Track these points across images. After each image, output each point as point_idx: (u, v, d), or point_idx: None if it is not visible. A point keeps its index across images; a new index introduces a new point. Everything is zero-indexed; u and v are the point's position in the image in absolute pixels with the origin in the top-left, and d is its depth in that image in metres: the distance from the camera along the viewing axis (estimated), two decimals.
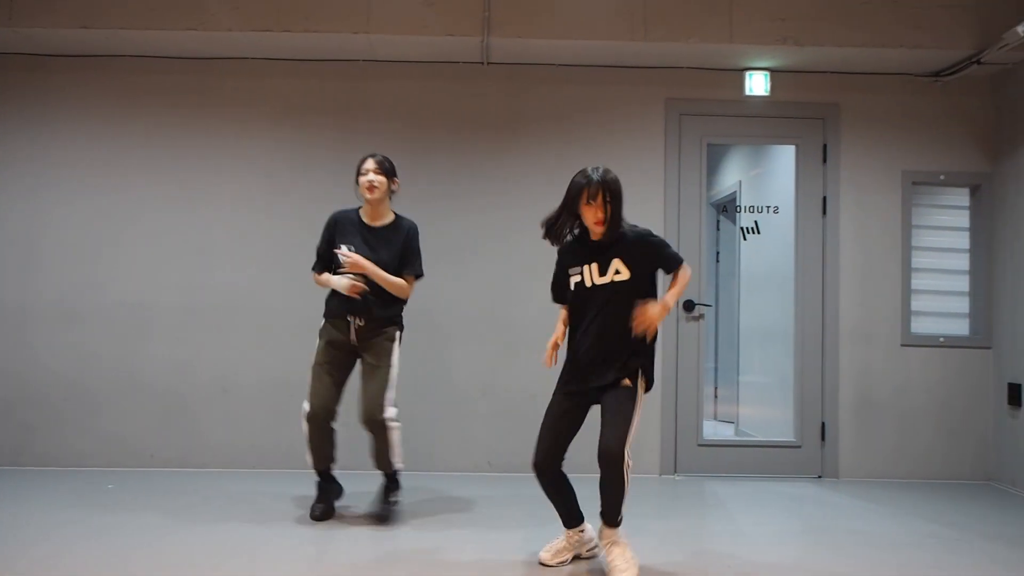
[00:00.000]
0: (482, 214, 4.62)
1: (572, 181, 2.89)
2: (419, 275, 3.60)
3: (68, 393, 4.51)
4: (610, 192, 2.84)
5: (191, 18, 4.20)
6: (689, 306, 4.65)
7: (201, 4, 4.20)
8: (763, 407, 5.43)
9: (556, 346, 3.03)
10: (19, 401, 4.50)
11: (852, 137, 4.69)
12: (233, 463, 4.46)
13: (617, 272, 2.89)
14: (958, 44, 4.31)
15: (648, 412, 4.56)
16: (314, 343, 3.54)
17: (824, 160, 4.71)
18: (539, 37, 4.26)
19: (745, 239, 5.18)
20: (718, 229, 6.18)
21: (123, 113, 4.59)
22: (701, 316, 4.67)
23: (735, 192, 5.83)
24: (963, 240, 4.78)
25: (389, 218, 3.59)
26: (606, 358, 2.88)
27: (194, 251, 4.57)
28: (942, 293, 4.75)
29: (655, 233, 3.01)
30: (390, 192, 3.57)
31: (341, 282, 3.44)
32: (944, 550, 3.30)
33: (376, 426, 3.41)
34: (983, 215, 4.71)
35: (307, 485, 3.73)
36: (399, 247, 3.53)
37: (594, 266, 2.92)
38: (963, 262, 4.77)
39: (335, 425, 3.51)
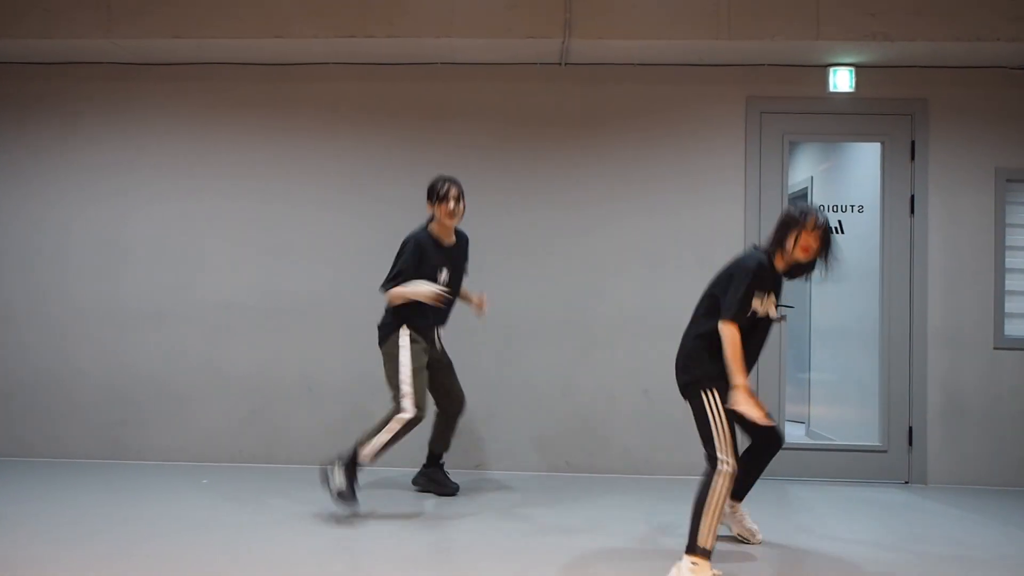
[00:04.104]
0: (557, 212, 4.61)
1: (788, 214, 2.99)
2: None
3: (157, 391, 4.66)
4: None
5: (276, 27, 4.28)
6: None
7: (286, 14, 4.28)
8: (836, 407, 5.32)
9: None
10: (111, 399, 4.67)
11: (942, 133, 4.55)
12: (319, 459, 4.55)
13: (776, 306, 3.08)
14: None
15: None
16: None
17: (912, 157, 4.57)
18: (620, 38, 4.23)
19: None
20: None
21: (207, 119, 4.70)
22: (783, 317, 4.59)
23: (805, 188, 5.72)
24: None
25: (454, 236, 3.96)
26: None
27: (275, 252, 4.67)
28: None
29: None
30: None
31: (427, 291, 3.68)
32: None
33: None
34: None
35: (400, 480, 3.78)
36: (466, 257, 4.01)
37: (771, 297, 3.03)
38: None
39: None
